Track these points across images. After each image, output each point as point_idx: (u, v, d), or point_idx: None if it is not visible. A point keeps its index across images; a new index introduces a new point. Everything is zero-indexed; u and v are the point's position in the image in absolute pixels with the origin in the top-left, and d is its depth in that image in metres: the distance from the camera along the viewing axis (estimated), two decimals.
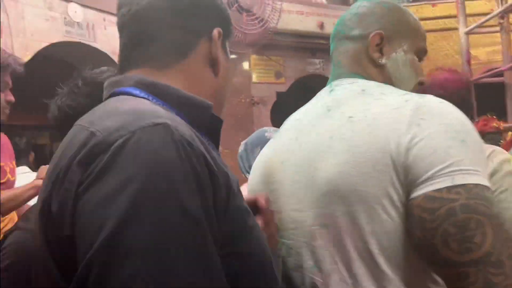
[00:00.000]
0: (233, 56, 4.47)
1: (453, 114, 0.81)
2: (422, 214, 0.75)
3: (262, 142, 1.67)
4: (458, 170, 0.75)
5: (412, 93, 0.89)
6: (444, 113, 0.81)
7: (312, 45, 5.07)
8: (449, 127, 0.78)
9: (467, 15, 2.96)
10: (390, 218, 0.79)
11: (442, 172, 0.75)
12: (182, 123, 0.63)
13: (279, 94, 4.88)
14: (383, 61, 0.99)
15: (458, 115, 0.82)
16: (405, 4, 6.12)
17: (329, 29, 5.07)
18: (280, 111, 3.65)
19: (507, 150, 2.49)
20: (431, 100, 0.84)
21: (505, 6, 2.53)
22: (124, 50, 0.76)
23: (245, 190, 0.99)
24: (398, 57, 1.00)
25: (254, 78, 4.78)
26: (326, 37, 5.14)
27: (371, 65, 1.00)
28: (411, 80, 1.01)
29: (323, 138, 0.90)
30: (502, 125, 2.60)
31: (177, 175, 0.56)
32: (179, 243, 0.53)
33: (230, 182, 0.63)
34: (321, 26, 4.91)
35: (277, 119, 4.18)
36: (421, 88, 1.09)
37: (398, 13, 1.03)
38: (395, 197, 0.78)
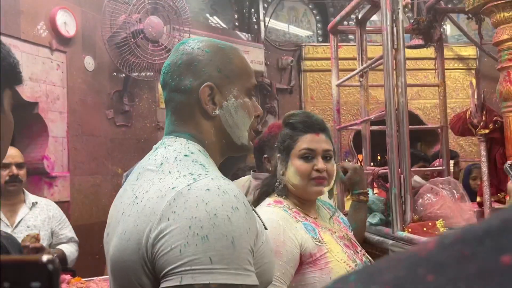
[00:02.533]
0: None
1: (209, 205, 0.80)
2: None
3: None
4: (188, 270, 0.76)
5: (196, 172, 0.87)
6: (198, 205, 0.80)
7: None
8: (195, 222, 0.78)
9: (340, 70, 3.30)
10: None
11: (174, 271, 0.78)
12: None
13: None
14: (217, 112, 0.97)
15: (213, 206, 0.80)
16: (313, 44, 6.58)
17: None
18: None
19: None
20: (195, 188, 0.83)
21: (362, 67, 2.89)
22: None
23: None
24: (229, 105, 0.98)
25: (162, 104, 4.95)
26: None
27: (204, 118, 0.98)
28: (244, 123, 1.00)
29: (120, 208, 0.94)
30: None
31: None
32: None
33: None
34: None
35: None
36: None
37: (222, 57, 0.99)
38: (148, 286, 0.83)
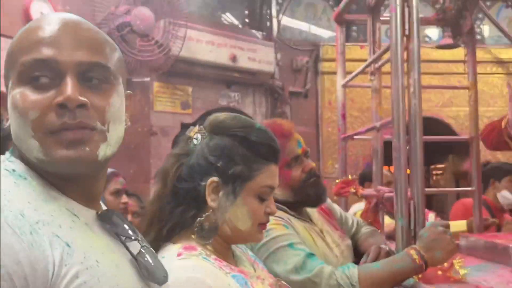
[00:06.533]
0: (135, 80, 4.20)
1: None
2: None
3: None
4: None
5: None
6: None
7: (225, 77, 4.83)
8: None
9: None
10: None
11: None
12: None
13: (184, 125, 4.60)
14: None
15: None
16: (333, 43, 6.00)
17: (242, 62, 4.84)
18: None
19: (365, 219, 2.25)
20: None
21: (368, 61, 2.32)
22: None
23: None
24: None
25: (157, 106, 4.49)
26: (240, 70, 4.91)
27: None
28: (21, 124, 0.76)
29: None
30: (360, 191, 2.38)
31: None
32: None
33: None
34: (234, 58, 4.66)
35: None
36: None
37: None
38: None
